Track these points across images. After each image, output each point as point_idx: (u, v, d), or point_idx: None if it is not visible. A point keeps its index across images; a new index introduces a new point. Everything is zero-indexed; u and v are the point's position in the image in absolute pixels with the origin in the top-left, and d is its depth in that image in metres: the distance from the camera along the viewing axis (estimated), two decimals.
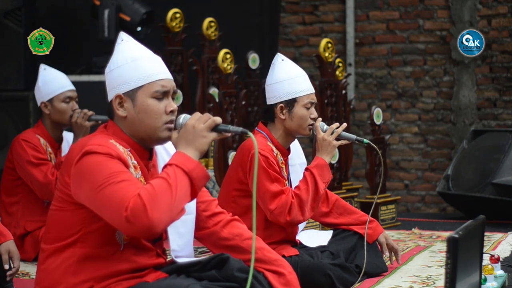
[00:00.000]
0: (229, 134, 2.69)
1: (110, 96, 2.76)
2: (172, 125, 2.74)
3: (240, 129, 2.66)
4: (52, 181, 4.57)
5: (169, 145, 2.88)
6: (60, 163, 4.72)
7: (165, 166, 2.56)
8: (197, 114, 2.66)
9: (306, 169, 3.88)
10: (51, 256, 2.69)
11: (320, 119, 3.96)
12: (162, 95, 2.73)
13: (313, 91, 3.98)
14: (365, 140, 4.00)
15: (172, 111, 2.73)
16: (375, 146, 4.17)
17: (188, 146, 2.60)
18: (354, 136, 3.98)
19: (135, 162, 2.72)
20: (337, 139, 3.92)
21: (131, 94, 2.72)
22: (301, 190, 3.80)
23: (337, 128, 3.92)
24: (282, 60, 3.99)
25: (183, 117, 2.72)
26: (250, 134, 2.63)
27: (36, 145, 4.69)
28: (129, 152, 2.70)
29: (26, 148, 4.66)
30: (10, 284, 3.60)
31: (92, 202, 2.57)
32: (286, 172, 3.96)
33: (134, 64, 2.73)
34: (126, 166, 2.62)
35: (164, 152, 2.90)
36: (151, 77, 2.72)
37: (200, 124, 2.62)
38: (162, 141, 2.77)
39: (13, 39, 6.43)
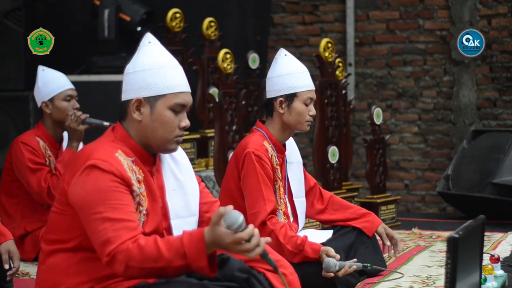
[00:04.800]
0: None
1: (127, 96, 2.74)
2: (181, 139, 2.76)
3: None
4: (44, 189, 4.56)
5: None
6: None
7: (182, 236, 2.51)
8: (251, 232, 2.50)
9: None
10: (51, 256, 2.69)
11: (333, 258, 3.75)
12: (180, 108, 2.74)
13: (314, 88, 3.99)
14: (369, 265, 3.86)
15: (184, 127, 2.75)
16: (381, 268, 4.04)
17: (216, 244, 2.50)
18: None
19: (140, 176, 2.70)
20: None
21: (152, 101, 2.71)
22: (279, 231, 3.74)
23: (349, 268, 3.73)
24: (285, 55, 4.01)
25: (241, 221, 2.49)
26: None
27: (35, 148, 4.67)
28: (133, 166, 2.69)
29: (24, 151, 4.64)
30: (10, 284, 3.61)
31: (83, 221, 2.59)
32: (282, 172, 3.95)
33: (161, 71, 2.72)
34: (129, 185, 2.62)
35: (170, 158, 2.89)
36: (175, 88, 2.74)
37: (242, 247, 2.48)
38: (168, 151, 2.79)
39: (13, 39, 6.43)
